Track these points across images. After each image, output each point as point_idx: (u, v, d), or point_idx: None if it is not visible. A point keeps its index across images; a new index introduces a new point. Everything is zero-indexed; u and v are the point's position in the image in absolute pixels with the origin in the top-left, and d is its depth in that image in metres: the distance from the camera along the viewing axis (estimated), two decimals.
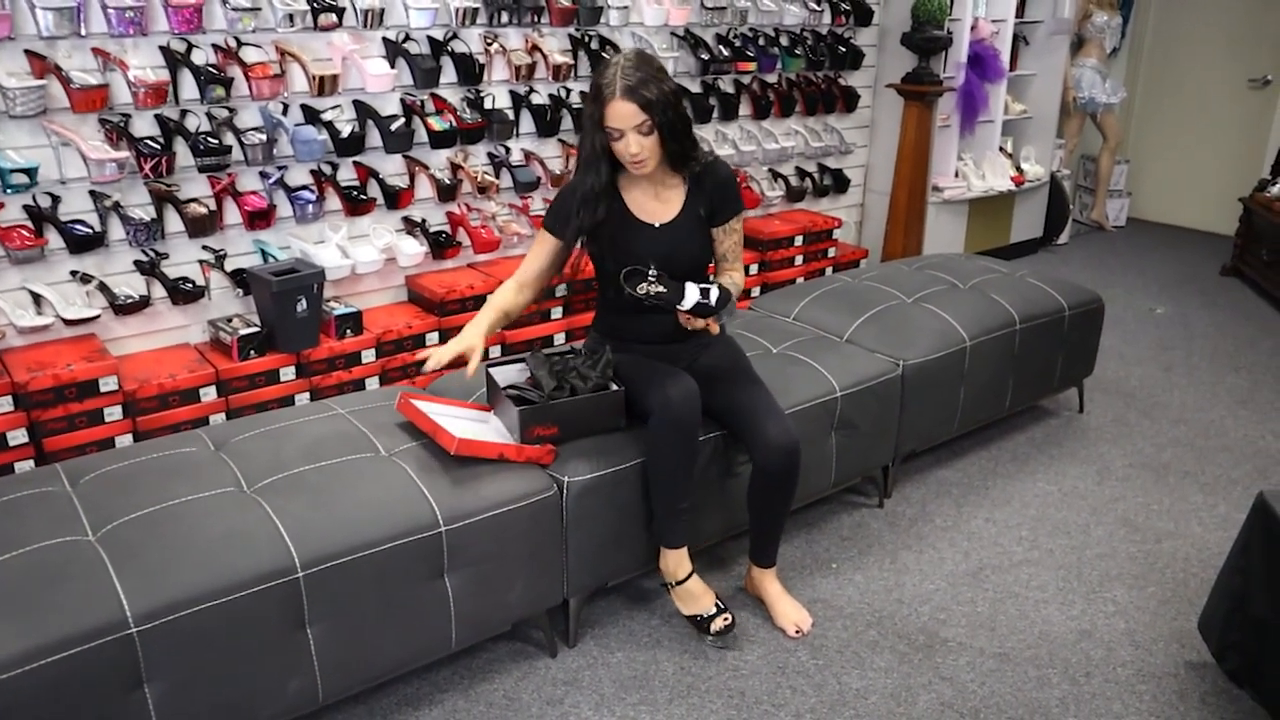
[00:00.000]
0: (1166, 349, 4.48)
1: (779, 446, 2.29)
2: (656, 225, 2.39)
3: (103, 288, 3.01)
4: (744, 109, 4.53)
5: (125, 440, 2.90)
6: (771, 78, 4.59)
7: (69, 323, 2.94)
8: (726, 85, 4.43)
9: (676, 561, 2.37)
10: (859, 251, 4.97)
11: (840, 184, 5.03)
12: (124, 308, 3.02)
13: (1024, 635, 2.49)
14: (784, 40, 4.55)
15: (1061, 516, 3.04)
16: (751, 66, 4.38)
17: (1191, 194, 6.65)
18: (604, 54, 3.89)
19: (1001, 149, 5.49)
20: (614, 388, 2.37)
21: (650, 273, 2.25)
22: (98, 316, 2.98)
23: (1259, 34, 6.19)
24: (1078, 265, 5.70)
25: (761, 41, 4.46)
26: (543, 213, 3.90)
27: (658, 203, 2.40)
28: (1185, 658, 2.43)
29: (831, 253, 4.80)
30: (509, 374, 2.47)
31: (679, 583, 2.38)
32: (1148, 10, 6.66)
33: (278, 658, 1.88)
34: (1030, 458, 3.41)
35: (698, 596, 2.40)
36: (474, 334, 2.31)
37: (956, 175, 5.25)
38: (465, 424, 2.32)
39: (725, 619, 2.38)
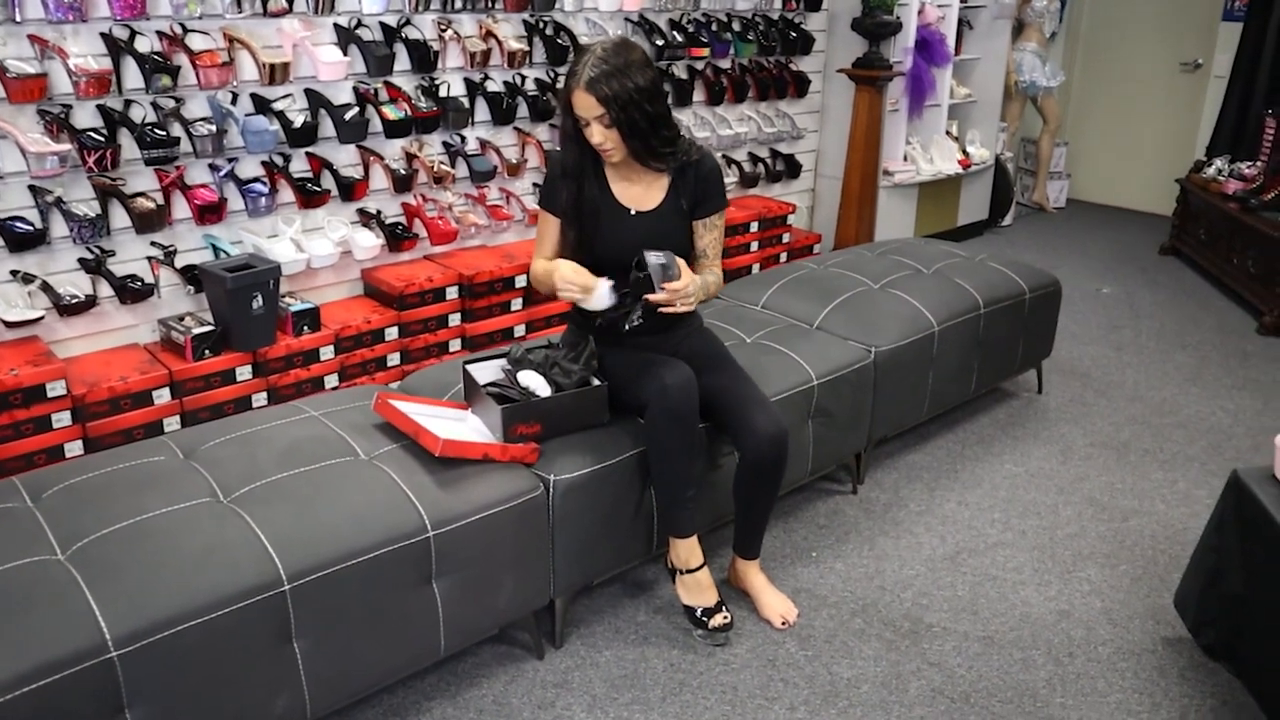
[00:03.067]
0: (1116, 328, 4.57)
1: (767, 435, 2.27)
2: (633, 212, 2.35)
3: (46, 288, 2.87)
4: (698, 95, 4.50)
5: (75, 447, 2.77)
6: (725, 63, 4.56)
7: (10, 325, 2.80)
8: (680, 71, 4.39)
9: (688, 550, 2.34)
10: (812, 236, 4.98)
11: (792, 169, 5.03)
12: (69, 308, 2.88)
13: (1006, 618, 2.52)
14: (736, 25, 4.52)
15: (1030, 497, 3.08)
16: (705, 52, 4.35)
17: (1128, 175, 6.80)
18: (558, 40, 3.83)
19: (948, 133, 5.54)
20: (596, 382, 2.33)
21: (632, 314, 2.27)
22: (41, 318, 2.84)
23: (1188, 19, 6.34)
24: (1023, 247, 5.79)
25: (714, 27, 4.43)
26: (500, 203, 3.88)
27: (639, 189, 2.36)
28: (1161, 634, 2.48)
29: (786, 238, 4.80)
30: (487, 371, 2.40)
31: (689, 571, 2.35)
32: None
33: (264, 675, 1.81)
34: (995, 440, 3.45)
35: (704, 589, 2.37)
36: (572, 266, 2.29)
37: (905, 159, 5.28)
38: (445, 424, 2.26)
39: (725, 617, 2.36)
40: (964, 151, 5.58)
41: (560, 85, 3.88)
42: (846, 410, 2.86)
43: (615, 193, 2.36)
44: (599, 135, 2.22)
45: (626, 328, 2.28)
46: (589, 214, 2.34)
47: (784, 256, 4.77)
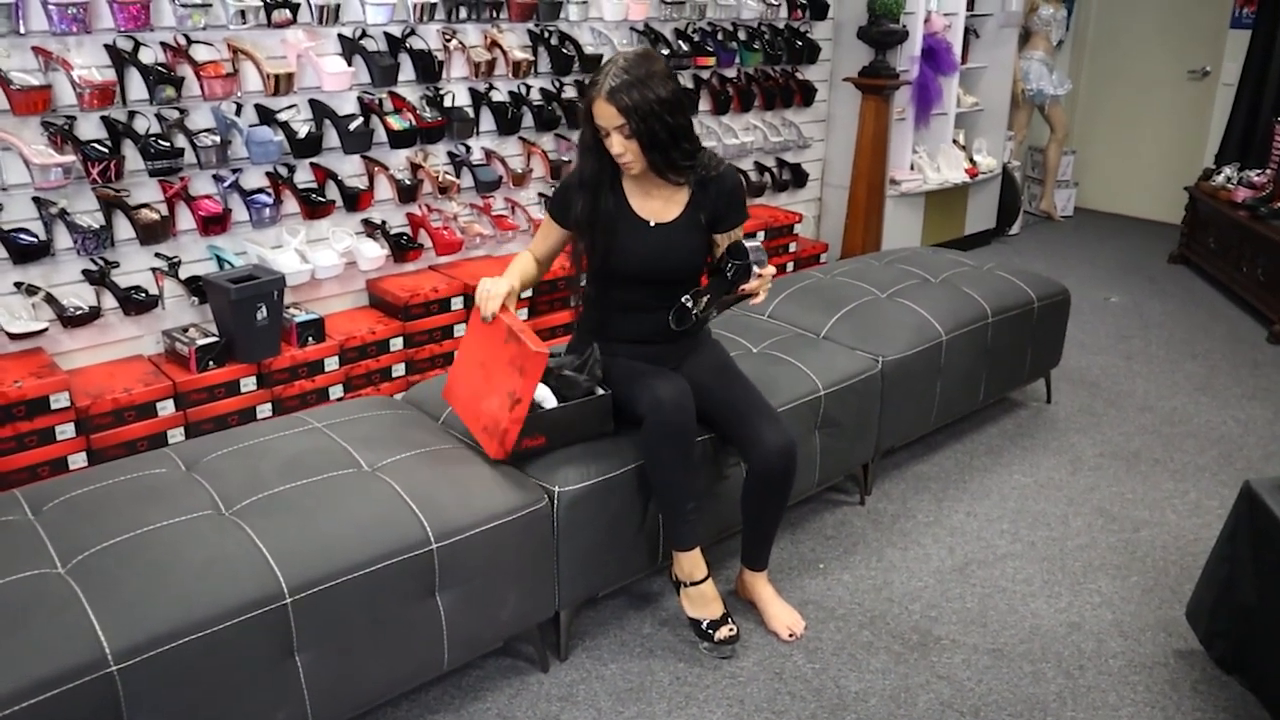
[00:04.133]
0: (1125, 338, 4.54)
1: (775, 448, 2.25)
2: (652, 224, 2.33)
3: (50, 299, 2.87)
4: (703, 104, 4.49)
5: (79, 459, 2.77)
6: (730, 72, 4.56)
7: (14, 337, 2.79)
8: (686, 80, 4.38)
9: (692, 563, 2.32)
10: (819, 246, 4.96)
11: (799, 179, 5.02)
12: (73, 320, 2.87)
13: (1015, 630, 2.49)
14: (741, 35, 4.52)
15: (1040, 508, 3.05)
16: (710, 61, 4.35)
17: (1136, 183, 6.77)
18: (563, 50, 3.82)
19: (955, 141, 5.52)
20: (600, 391, 2.31)
21: (687, 302, 2.26)
22: (45, 330, 2.84)
23: (1195, 27, 6.32)
24: (1031, 256, 5.77)
25: (720, 36, 4.43)
26: (505, 213, 3.87)
27: (658, 202, 2.33)
28: (1173, 646, 2.45)
29: (792, 248, 4.79)
30: None
31: (694, 584, 2.33)
32: (1090, 3, 6.77)
33: (266, 689, 1.79)
34: (1004, 450, 3.42)
35: (709, 601, 2.35)
36: (506, 282, 2.26)
37: (912, 168, 5.26)
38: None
39: (730, 629, 2.33)
40: (971, 160, 5.57)
41: (565, 95, 3.89)
42: (854, 421, 2.84)
43: (634, 206, 2.33)
44: (619, 146, 2.19)
45: (699, 318, 2.27)
46: (605, 226, 2.31)
47: (790, 266, 4.76)
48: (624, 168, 2.26)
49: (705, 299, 2.26)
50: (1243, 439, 3.55)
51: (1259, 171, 5.21)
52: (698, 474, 2.33)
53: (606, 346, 2.38)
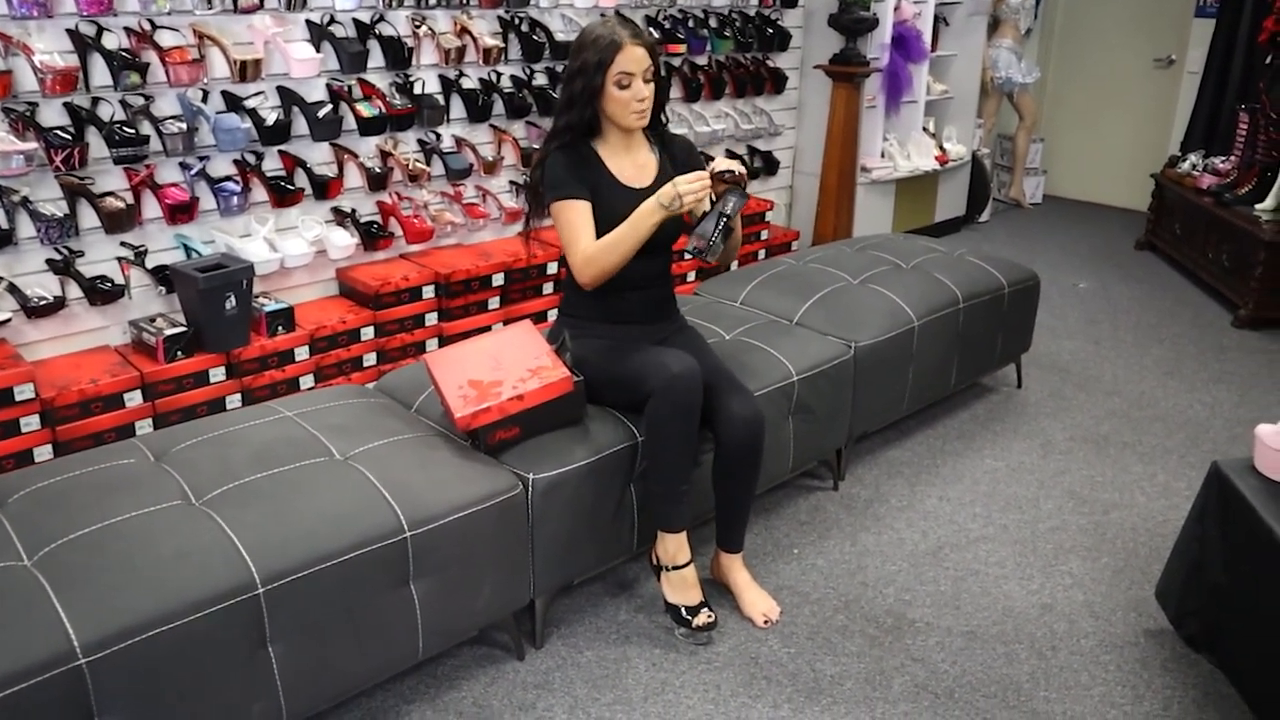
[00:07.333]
0: (1093, 323, 4.59)
1: (742, 418, 2.28)
2: (638, 189, 2.35)
3: (13, 289, 2.82)
4: (675, 91, 4.48)
5: (44, 452, 2.72)
6: (701, 59, 4.55)
7: None
8: None
9: (677, 546, 2.32)
10: (790, 233, 4.97)
11: (770, 166, 5.02)
12: (37, 310, 2.83)
13: (989, 612, 2.51)
14: (713, 22, 4.51)
15: (1011, 492, 3.08)
16: (681, 48, 4.34)
17: (1103, 171, 6.83)
18: (534, 36, 3.80)
19: (925, 129, 5.54)
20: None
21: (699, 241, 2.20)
22: (8, 320, 2.79)
23: (1161, 15, 6.38)
24: (1000, 242, 5.80)
25: (691, 23, 4.42)
26: (476, 201, 3.84)
27: (636, 168, 2.39)
28: (1143, 626, 2.48)
29: (764, 235, 4.79)
30: None
31: (676, 568, 2.33)
32: None
33: (239, 681, 1.77)
34: (975, 435, 3.45)
35: (689, 587, 2.35)
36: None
37: (883, 156, 5.28)
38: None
39: (709, 616, 2.33)
40: (941, 148, 5.59)
41: (536, 82, 3.86)
42: (827, 406, 2.85)
43: (614, 172, 2.37)
44: (645, 90, 2.26)
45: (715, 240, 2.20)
46: (599, 196, 2.33)
47: (762, 253, 4.75)
48: (641, 117, 2.30)
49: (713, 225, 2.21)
50: (1209, 422, 3.60)
51: (1223, 159, 5.27)
52: (695, 455, 2.33)
53: (593, 328, 2.39)
